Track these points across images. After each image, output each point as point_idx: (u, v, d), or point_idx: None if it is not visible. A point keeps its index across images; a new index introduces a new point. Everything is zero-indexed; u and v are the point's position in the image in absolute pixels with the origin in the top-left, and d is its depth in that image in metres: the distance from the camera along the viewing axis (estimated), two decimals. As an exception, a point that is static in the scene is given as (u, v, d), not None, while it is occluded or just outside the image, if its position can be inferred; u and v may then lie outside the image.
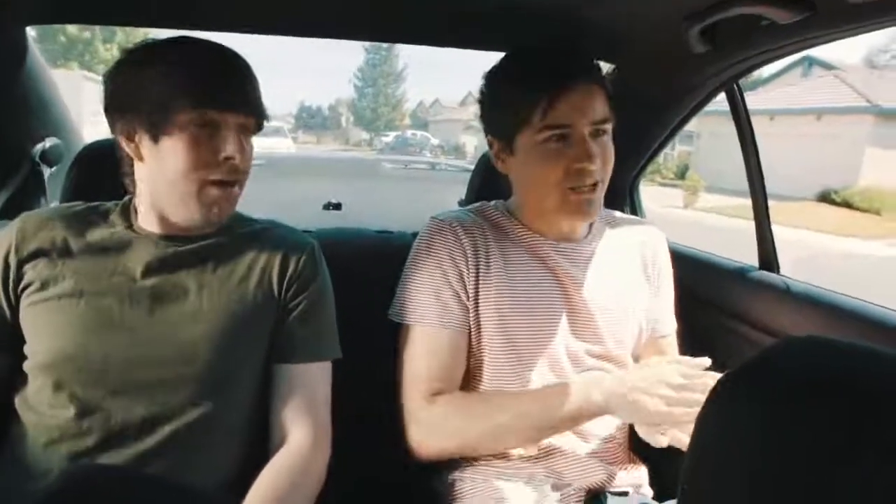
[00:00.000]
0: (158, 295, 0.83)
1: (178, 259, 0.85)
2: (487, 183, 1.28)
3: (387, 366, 0.98)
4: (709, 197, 12.56)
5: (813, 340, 0.40)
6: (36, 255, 0.83)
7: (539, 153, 0.92)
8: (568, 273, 0.99)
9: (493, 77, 0.98)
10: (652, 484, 1.02)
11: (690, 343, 1.19)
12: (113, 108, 0.83)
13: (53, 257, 0.83)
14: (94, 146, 1.18)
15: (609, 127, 0.94)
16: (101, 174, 0.99)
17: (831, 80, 15.71)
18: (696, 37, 1.03)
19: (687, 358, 0.89)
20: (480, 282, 0.96)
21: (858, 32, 0.92)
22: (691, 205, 12.64)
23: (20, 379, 0.83)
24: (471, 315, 0.96)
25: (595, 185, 0.92)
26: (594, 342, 1.00)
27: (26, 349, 0.82)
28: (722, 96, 1.31)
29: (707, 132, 16.04)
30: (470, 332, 0.97)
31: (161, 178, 0.82)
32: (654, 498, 0.99)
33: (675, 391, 0.82)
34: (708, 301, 1.33)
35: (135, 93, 0.80)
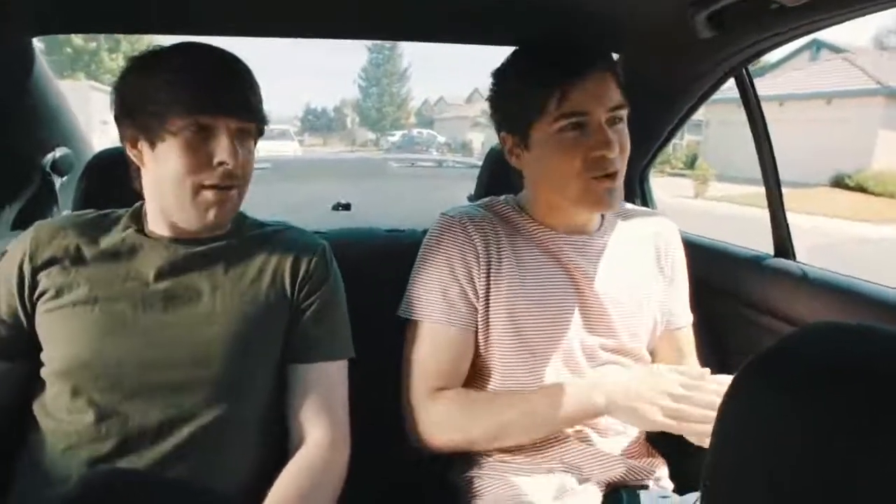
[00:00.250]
0: (171, 297, 0.84)
1: (189, 261, 0.86)
2: (496, 178, 1.27)
3: (398, 364, 0.99)
4: (719, 186, 12.46)
5: (832, 326, 0.40)
6: (50, 263, 0.84)
7: (556, 144, 0.91)
8: (580, 267, 0.98)
9: (503, 72, 0.97)
10: (672, 477, 1.02)
11: (707, 334, 1.18)
12: (120, 116, 0.84)
13: (67, 265, 0.84)
14: (103, 154, 1.19)
15: (624, 113, 0.93)
16: (112, 182, 1.00)
17: (840, 63, 15.52)
18: (703, 22, 1.02)
19: (688, 369, 0.88)
20: (491, 277, 0.96)
21: (868, 12, 0.90)
22: (702, 194, 12.56)
23: (38, 385, 0.84)
24: (480, 311, 0.96)
25: (615, 173, 0.91)
26: (608, 336, 0.99)
27: (43, 356, 0.83)
28: (730, 83, 1.29)
29: (716, 120, 15.91)
30: (477, 329, 0.96)
31: (161, 184, 0.83)
32: (674, 491, 0.98)
33: (675, 401, 0.82)
34: (724, 291, 1.32)
35: (136, 100, 0.82)
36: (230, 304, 0.85)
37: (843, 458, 0.32)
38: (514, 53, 0.98)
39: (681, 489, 0.98)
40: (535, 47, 0.96)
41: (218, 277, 0.86)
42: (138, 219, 0.90)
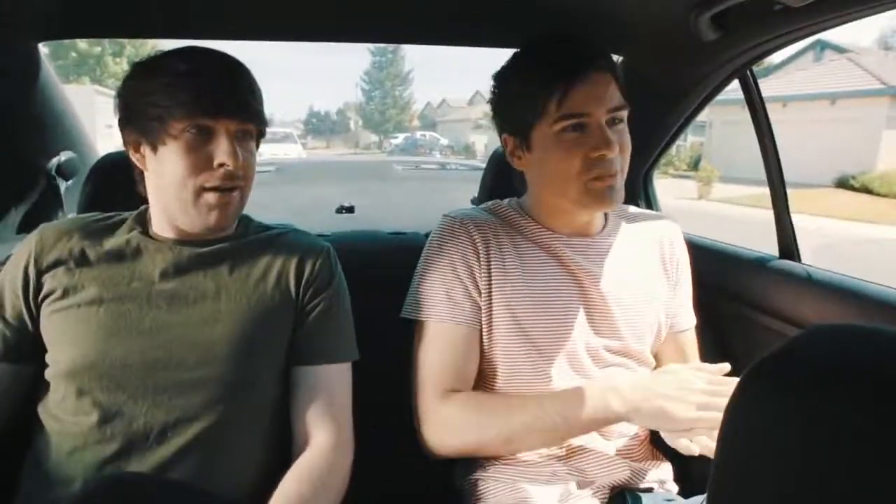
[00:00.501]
0: (176, 298, 0.84)
1: (194, 262, 0.87)
2: (500, 181, 1.27)
3: (403, 366, 0.98)
4: (723, 187, 12.43)
5: (839, 328, 0.39)
6: (55, 265, 0.84)
7: (556, 145, 0.91)
8: (584, 269, 0.98)
9: (504, 74, 0.98)
10: (677, 480, 1.01)
11: (711, 336, 1.18)
12: (122, 121, 0.85)
13: (72, 266, 0.84)
14: (108, 158, 1.20)
15: (625, 114, 0.93)
16: (117, 185, 1.00)
17: (845, 64, 15.47)
18: (707, 23, 1.01)
19: (707, 365, 0.87)
20: (494, 279, 0.95)
21: (872, 13, 0.90)
22: (706, 196, 12.52)
23: (42, 388, 0.84)
24: (484, 313, 0.96)
25: (616, 173, 0.91)
26: (613, 338, 0.99)
27: (48, 358, 0.84)
28: (734, 84, 1.29)
29: (719, 121, 15.88)
30: (482, 330, 0.96)
31: (164, 187, 0.84)
32: (679, 494, 0.98)
33: (704, 396, 0.81)
34: (728, 293, 1.31)
35: (138, 105, 0.82)
36: (235, 305, 0.85)
37: (849, 462, 0.32)
38: (514, 55, 0.98)
39: (686, 492, 0.97)
40: (536, 49, 0.96)
41: (223, 278, 0.87)
42: (143, 222, 0.90)
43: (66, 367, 0.81)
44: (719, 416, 0.76)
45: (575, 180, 0.91)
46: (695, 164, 16.33)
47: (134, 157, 0.86)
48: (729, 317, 1.30)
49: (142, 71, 0.84)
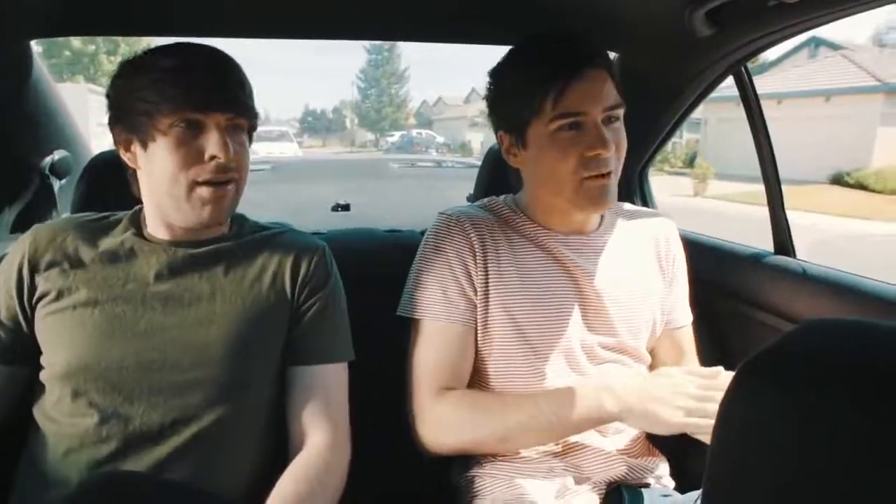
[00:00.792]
0: (171, 299, 0.84)
1: (188, 264, 0.86)
2: (495, 178, 1.27)
3: (398, 365, 0.98)
4: (719, 184, 12.45)
5: (832, 323, 0.40)
6: (49, 266, 0.84)
7: (552, 143, 0.91)
8: (579, 266, 0.98)
9: (500, 71, 0.97)
10: (673, 475, 1.01)
11: (707, 332, 1.18)
12: (112, 120, 0.85)
13: (66, 268, 0.84)
14: (102, 157, 1.19)
15: (621, 113, 0.93)
16: (111, 184, 1.00)
17: (839, 61, 15.51)
18: (702, 20, 1.01)
19: (701, 368, 0.88)
20: (490, 277, 0.95)
21: (865, 9, 0.90)
22: (701, 193, 12.55)
23: (38, 390, 0.84)
24: (479, 310, 0.96)
25: (609, 172, 0.91)
26: (608, 335, 0.99)
27: (43, 360, 0.83)
28: (729, 81, 1.29)
29: (714, 118, 15.91)
30: (477, 328, 0.96)
31: (156, 184, 0.83)
32: (675, 489, 0.98)
33: (695, 401, 0.81)
34: (724, 289, 1.32)
35: (126, 103, 0.82)
36: (230, 305, 0.85)
37: (847, 459, 0.32)
38: (510, 52, 0.98)
39: (682, 487, 0.98)
40: (532, 46, 0.96)
41: (218, 279, 0.86)
42: (137, 222, 0.90)
43: (62, 370, 0.80)
44: (710, 422, 0.78)
45: (570, 179, 0.91)
46: (690, 161, 16.36)
47: (125, 157, 0.85)
48: (725, 313, 1.30)
49: (129, 69, 0.83)
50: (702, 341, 1.11)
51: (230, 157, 0.82)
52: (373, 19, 1.27)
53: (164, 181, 0.81)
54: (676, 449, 1.00)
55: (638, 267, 1.03)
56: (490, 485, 0.94)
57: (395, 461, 0.99)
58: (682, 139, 18.55)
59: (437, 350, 0.95)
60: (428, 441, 0.94)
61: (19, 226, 1.29)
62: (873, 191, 12.12)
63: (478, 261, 0.95)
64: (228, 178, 0.84)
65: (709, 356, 1.08)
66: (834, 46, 18.70)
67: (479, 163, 1.41)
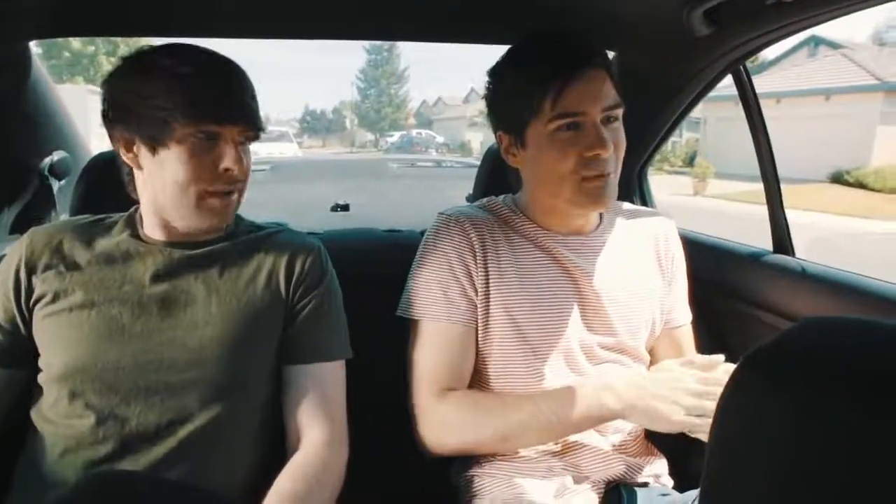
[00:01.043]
0: (167, 301, 0.84)
1: (184, 265, 0.86)
2: (494, 178, 1.27)
3: (398, 365, 0.98)
4: (718, 183, 12.45)
5: (830, 321, 0.40)
6: (46, 268, 0.84)
7: (551, 143, 0.91)
8: (578, 266, 0.98)
9: (499, 71, 0.97)
10: (672, 474, 1.01)
11: (706, 331, 1.18)
12: (111, 117, 0.83)
13: (62, 270, 0.84)
14: (101, 157, 1.19)
15: (620, 113, 0.93)
16: (110, 185, 1.00)
17: (839, 60, 15.52)
18: (700, 19, 1.02)
19: (699, 357, 0.88)
20: (490, 276, 0.95)
21: (864, 7, 0.90)
22: (701, 192, 12.55)
23: (35, 392, 0.84)
24: (480, 310, 0.96)
25: (609, 172, 0.91)
26: (607, 334, 0.99)
27: (41, 362, 0.83)
28: (729, 80, 1.29)
29: (714, 117, 15.91)
30: (477, 327, 0.96)
31: (161, 188, 0.83)
32: (674, 488, 0.98)
33: (694, 398, 0.81)
34: (723, 287, 1.32)
35: (133, 104, 0.80)
36: (226, 306, 0.85)
37: (842, 453, 0.32)
38: (509, 50, 0.97)
39: (681, 486, 0.98)
40: (531, 45, 0.95)
41: (213, 280, 0.86)
42: (133, 224, 0.90)
43: (59, 371, 0.80)
44: (709, 420, 0.77)
45: (568, 179, 0.91)
46: (690, 161, 16.36)
47: (125, 157, 0.84)
48: (724, 312, 1.30)
49: (135, 68, 0.82)
50: (701, 340, 1.11)
51: (242, 170, 0.83)
52: (373, 19, 1.27)
53: (173, 187, 0.81)
54: (675, 448, 1.00)
55: (637, 266, 1.03)
56: (489, 484, 0.94)
57: (395, 461, 0.99)
58: (682, 138, 18.56)
59: (437, 350, 0.94)
60: (429, 442, 0.93)
61: (18, 227, 1.29)
62: (873, 189, 12.12)
63: (478, 261, 0.95)
64: (235, 189, 0.85)
65: (708, 355, 1.07)
66: (833, 45, 18.70)
67: (479, 163, 1.41)
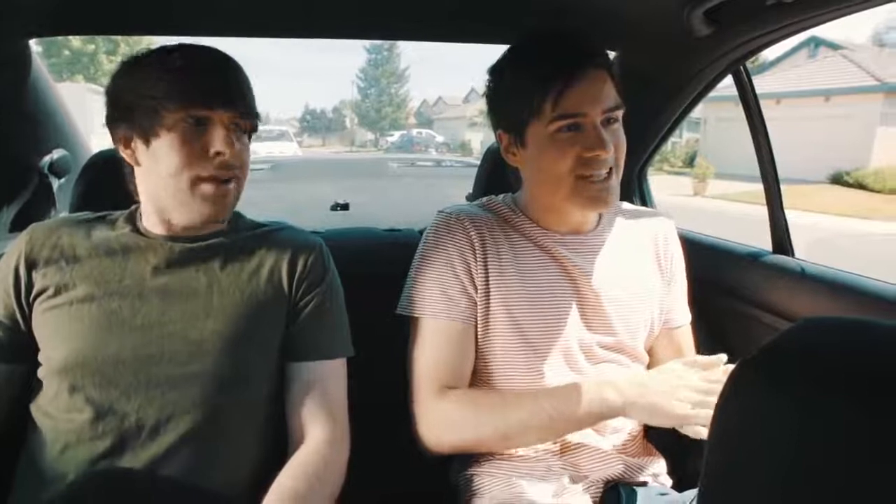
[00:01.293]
0: (168, 294, 0.84)
1: (185, 258, 0.86)
2: (494, 177, 1.27)
3: (398, 364, 0.98)
4: (719, 184, 12.46)
5: (829, 321, 0.40)
6: (46, 263, 0.84)
7: (551, 143, 0.91)
8: (577, 265, 0.98)
9: (499, 70, 0.97)
10: (671, 474, 1.02)
11: (706, 331, 1.18)
12: (112, 117, 0.85)
13: (63, 265, 0.84)
14: (101, 155, 1.19)
15: (620, 114, 0.93)
16: (110, 183, 1.00)
17: (839, 60, 15.51)
18: (700, 19, 1.02)
19: (701, 358, 0.88)
20: (490, 274, 0.95)
21: (864, 7, 0.90)
22: (701, 192, 12.55)
23: (35, 386, 0.84)
24: (479, 308, 0.96)
25: (609, 172, 0.91)
26: (606, 334, 0.99)
27: (41, 356, 0.84)
28: (729, 80, 1.29)
29: (714, 118, 15.91)
30: (477, 326, 0.96)
31: (157, 180, 0.83)
32: (673, 488, 0.98)
33: (697, 395, 0.82)
34: (722, 288, 1.32)
35: (129, 100, 0.82)
36: (227, 299, 0.85)
37: (841, 453, 0.32)
38: (509, 50, 0.97)
39: (680, 486, 0.98)
40: (532, 45, 0.95)
41: (214, 273, 0.87)
42: (133, 220, 0.90)
43: (59, 365, 0.81)
44: (710, 412, 0.77)
45: (567, 179, 0.91)
46: (690, 161, 16.36)
47: (125, 154, 0.85)
48: (723, 312, 1.30)
49: (133, 67, 0.84)
50: (701, 340, 1.11)
51: (234, 154, 0.83)
52: (373, 19, 1.27)
53: (167, 177, 0.82)
54: (674, 447, 1.00)
55: (636, 266, 1.03)
56: (488, 483, 0.94)
57: (394, 460, 0.99)
58: (682, 139, 18.56)
59: (438, 348, 0.95)
60: (430, 440, 0.93)
61: (18, 225, 1.29)
62: (872, 190, 12.13)
63: (478, 259, 0.95)
64: (230, 176, 0.84)
65: (707, 355, 1.08)
66: (833, 46, 18.70)
67: (479, 162, 1.41)
